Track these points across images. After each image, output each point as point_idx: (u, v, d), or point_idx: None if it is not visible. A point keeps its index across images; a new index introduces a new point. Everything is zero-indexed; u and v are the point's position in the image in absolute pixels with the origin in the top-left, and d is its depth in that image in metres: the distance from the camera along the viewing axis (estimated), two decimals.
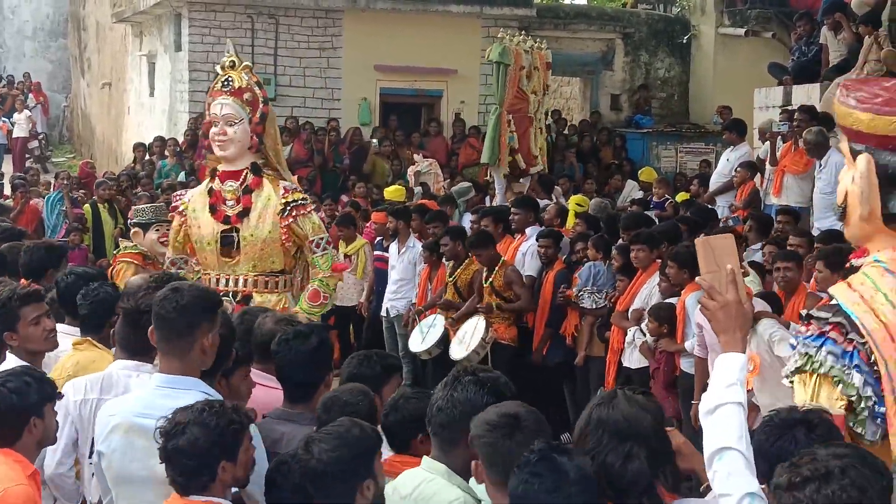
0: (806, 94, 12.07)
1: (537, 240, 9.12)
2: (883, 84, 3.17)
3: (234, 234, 6.79)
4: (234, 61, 6.84)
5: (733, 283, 2.98)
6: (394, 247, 10.39)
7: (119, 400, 3.87)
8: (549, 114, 18.24)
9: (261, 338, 4.44)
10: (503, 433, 3.07)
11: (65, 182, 14.00)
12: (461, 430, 3.25)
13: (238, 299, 6.68)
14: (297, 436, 3.72)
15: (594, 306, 8.39)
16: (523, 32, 14.55)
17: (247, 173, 6.82)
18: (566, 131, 17.84)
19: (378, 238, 11.07)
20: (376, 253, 10.88)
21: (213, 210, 6.82)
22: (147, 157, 16.64)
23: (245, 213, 6.76)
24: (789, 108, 11.83)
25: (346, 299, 10.84)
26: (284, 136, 16.11)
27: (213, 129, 6.78)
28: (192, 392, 3.56)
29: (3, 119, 24.85)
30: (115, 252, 8.95)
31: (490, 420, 3.11)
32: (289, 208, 6.77)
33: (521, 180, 12.34)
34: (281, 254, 6.83)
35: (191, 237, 6.96)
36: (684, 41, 19.29)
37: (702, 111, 18.50)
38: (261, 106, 6.80)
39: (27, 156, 24.42)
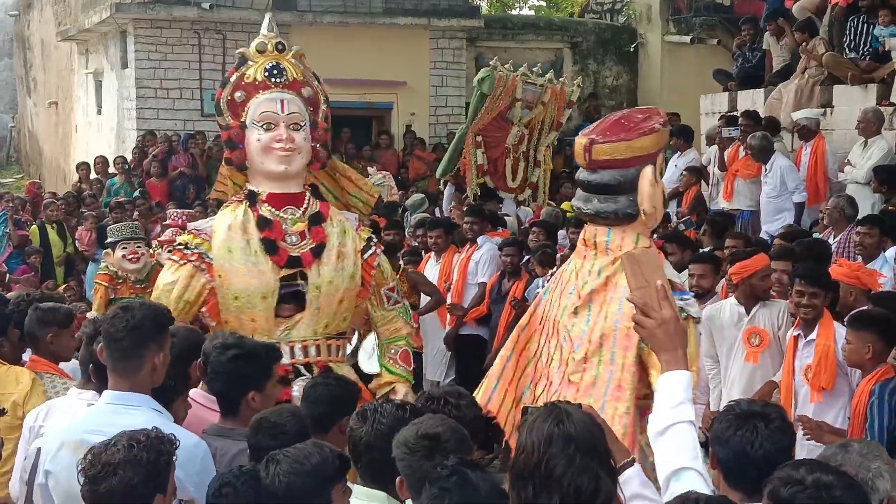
0: (751, 100, 12.21)
1: (500, 249, 9.16)
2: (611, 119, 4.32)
3: (301, 283, 4.98)
4: (281, 43, 5.38)
5: (666, 299, 2.93)
6: None
7: (66, 418, 3.83)
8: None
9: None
10: (422, 455, 2.99)
11: (9, 204, 13.85)
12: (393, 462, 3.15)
13: (315, 376, 4.75)
14: (229, 451, 3.72)
15: None
16: (540, 69, 14.54)
17: (310, 197, 5.10)
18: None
19: None
20: None
21: (273, 248, 4.93)
22: (93, 175, 16.46)
23: (319, 250, 4.96)
24: (734, 113, 11.96)
25: None
26: None
27: (268, 135, 5.02)
28: (142, 409, 3.54)
29: None
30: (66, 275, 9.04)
31: (409, 441, 3.03)
32: (373, 245, 5.15)
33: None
34: (352, 309, 5.15)
35: (221, 294, 4.95)
36: (631, 49, 19.45)
37: None
38: (323, 106, 5.39)
39: None
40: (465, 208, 10.88)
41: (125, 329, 3.59)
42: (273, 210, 5.01)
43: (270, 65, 5.21)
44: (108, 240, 8.90)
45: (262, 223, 4.96)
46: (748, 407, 3.06)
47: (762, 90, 12.13)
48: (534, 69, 13.21)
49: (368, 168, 15.48)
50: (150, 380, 3.64)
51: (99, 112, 19.55)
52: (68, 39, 20.89)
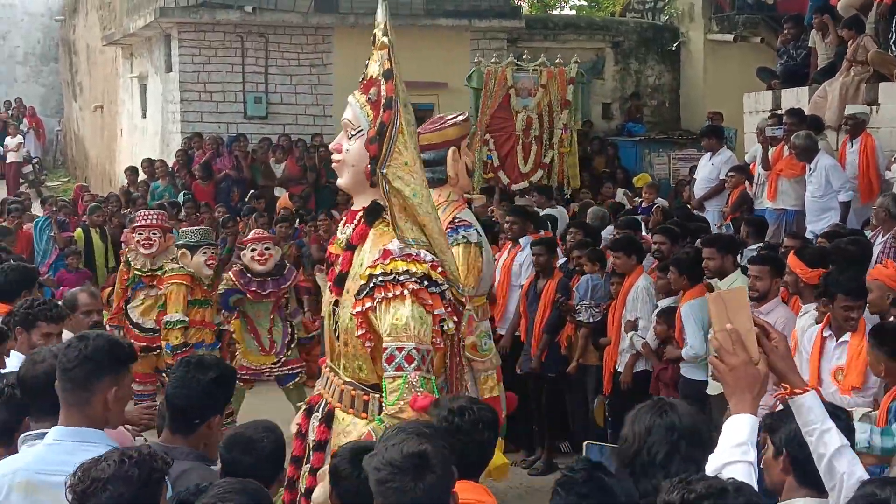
0: (795, 98, 12.10)
1: (531, 248, 9.17)
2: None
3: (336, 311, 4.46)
4: (375, 35, 4.74)
5: (739, 344, 2.90)
6: None
7: (10, 459, 3.56)
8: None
9: None
10: (413, 476, 2.84)
11: (53, 208, 14.06)
12: None
13: (321, 418, 4.47)
14: (171, 472, 3.45)
15: (591, 320, 8.39)
16: (526, 52, 14.77)
17: (361, 216, 4.46)
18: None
19: None
20: None
21: (328, 268, 4.65)
22: (141, 177, 16.64)
23: (340, 280, 4.39)
24: (778, 112, 11.86)
25: None
26: (277, 153, 16.18)
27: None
28: (99, 446, 3.31)
29: None
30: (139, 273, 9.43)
31: (395, 461, 2.86)
32: (373, 285, 4.14)
33: (524, 196, 12.70)
34: (367, 357, 4.29)
35: None
36: (673, 48, 19.34)
37: (693, 117, 18.53)
38: (381, 112, 4.42)
39: (21, 181, 24.43)
40: (505, 208, 10.92)
41: (76, 359, 3.43)
42: (342, 227, 4.59)
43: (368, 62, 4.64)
44: (183, 241, 9.14)
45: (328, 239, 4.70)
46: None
47: (806, 88, 12.01)
48: (523, 57, 13.48)
49: None
50: (102, 416, 3.47)
51: (143, 115, 19.75)
52: (113, 44, 21.12)
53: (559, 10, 30.55)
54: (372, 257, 4.22)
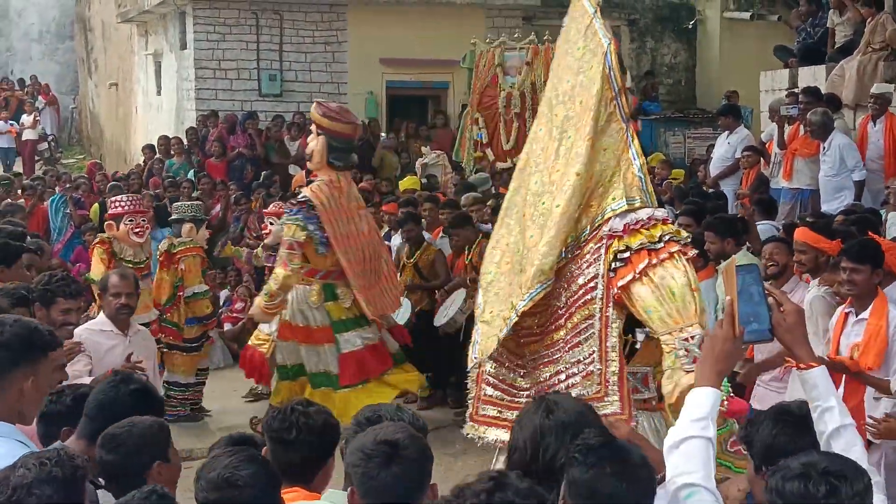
0: (812, 76, 12.02)
1: None
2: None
3: None
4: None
5: (729, 317, 2.90)
6: (396, 238, 10.45)
7: None
8: None
9: None
10: (379, 462, 2.89)
11: (66, 185, 14.07)
12: None
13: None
14: None
15: None
16: (517, 31, 14.84)
17: None
18: None
19: (387, 230, 11.10)
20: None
21: None
22: (155, 156, 16.67)
23: None
24: (795, 90, 11.79)
25: None
26: (292, 131, 16.18)
27: None
28: (5, 440, 3.19)
29: (12, 122, 24.92)
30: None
31: (366, 448, 2.92)
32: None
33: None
34: None
35: None
36: (690, 26, 19.23)
37: (709, 96, 18.44)
38: None
39: (37, 158, 24.50)
40: None
41: None
42: None
43: None
44: (177, 215, 9.41)
45: None
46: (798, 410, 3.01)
47: (823, 66, 11.93)
48: (515, 36, 13.59)
49: (423, 148, 15.55)
50: (16, 407, 3.29)
51: (158, 93, 19.77)
52: (128, 21, 21.13)
53: None
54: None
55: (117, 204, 9.13)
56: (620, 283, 4.27)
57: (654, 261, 4.24)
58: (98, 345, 5.97)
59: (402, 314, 9.75)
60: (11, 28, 31.40)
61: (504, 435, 4.34)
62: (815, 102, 10.42)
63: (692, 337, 4.04)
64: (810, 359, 2.92)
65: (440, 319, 9.44)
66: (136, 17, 20.36)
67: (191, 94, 17.42)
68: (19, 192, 14.34)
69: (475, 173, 13.39)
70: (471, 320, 9.15)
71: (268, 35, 17.34)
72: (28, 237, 8.28)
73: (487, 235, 9.68)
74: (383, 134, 16.44)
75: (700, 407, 2.83)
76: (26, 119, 24.64)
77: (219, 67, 17.24)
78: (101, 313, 6.39)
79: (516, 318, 4.40)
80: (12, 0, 31.19)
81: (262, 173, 14.96)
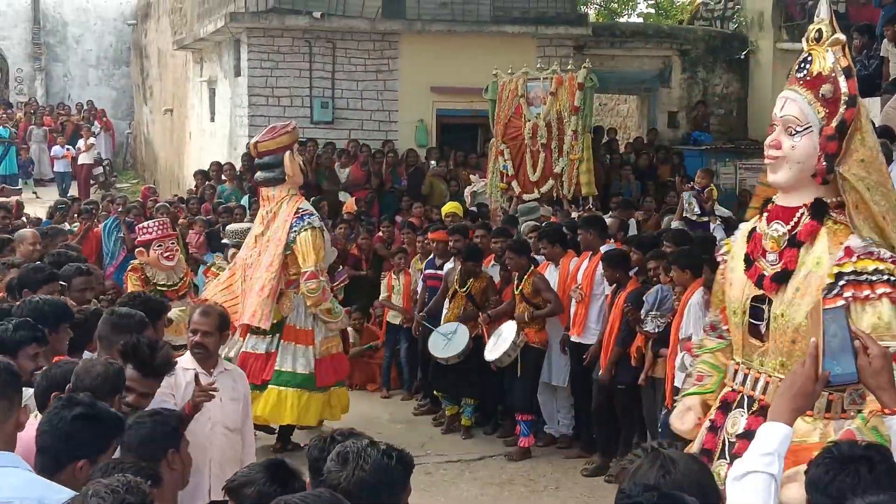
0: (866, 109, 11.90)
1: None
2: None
3: (764, 307, 4.42)
4: (821, 30, 4.36)
5: (812, 357, 2.91)
6: (449, 265, 10.48)
7: None
8: (607, 132, 18.29)
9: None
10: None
11: (119, 208, 14.22)
12: None
13: (753, 410, 4.36)
14: None
15: (656, 331, 8.32)
16: (570, 61, 14.78)
17: (803, 213, 4.35)
18: (623, 149, 17.77)
19: (431, 256, 11.12)
20: (428, 271, 10.93)
21: (748, 263, 4.51)
22: (207, 182, 16.85)
23: (783, 277, 4.32)
24: None
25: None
26: (343, 158, 16.31)
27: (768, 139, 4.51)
28: (14, 470, 3.21)
29: (69, 147, 25.34)
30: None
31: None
32: (843, 282, 4.12)
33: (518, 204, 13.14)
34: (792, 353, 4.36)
35: (725, 298, 4.67)
36: (742, 57, 19.15)
37: (761, 127, 18.29)
38: (842, 109, 4.24)
39: (92, 182, 24.88)
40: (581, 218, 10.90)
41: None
42: (764, 223, 4.47)
43: (804, 57, 4.44)
44: (234, 241, 9.66)
45: (750, 234, 4.55)
46: (849, 450, 2.87)
47: (878, 98, 11.82)
48: (538, 67, 13.59)
49: (472, 176, 15.59)
50: (15, 438, 3.31)
51: (212, 119, 20.02)
52: (184, 48, 21.44)
53: (626, 17, 30.43)
54: (833, 255, 4.18)
55: (146, 230, 9.25)
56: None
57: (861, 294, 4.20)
58: (178, 384, 5.48)
59: (461, 341, 9.73)
60: (69, 54, 32.01)
61: None
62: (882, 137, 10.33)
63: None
64: (894, 404, 2.90)
65: (491, 354, 9.37)
66: (191, 45, 20.66)
67: (244, 121, 17.62)
68: (75, 216, 14.56)
69: (511, 204, 13.40)
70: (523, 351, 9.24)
71: (320, 63, 17.51)
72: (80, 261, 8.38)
73: (536, 265, 9.71)
74: (433, 162, 16.51)
75: (770, 442, 2.82)
76: (82, 144, 25.06)
77: (272, 94, 17.43)
78: (188, 351, 5.91)
79: None
80: (70, 26, 31.79)
81: (312, 199, 15.06)
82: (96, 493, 2.75)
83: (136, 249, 9.43)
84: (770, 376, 4.31)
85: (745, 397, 4.43)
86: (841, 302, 3.97)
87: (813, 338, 2.92)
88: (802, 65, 4.36)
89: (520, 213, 12.53)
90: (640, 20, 28.68)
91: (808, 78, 4.33)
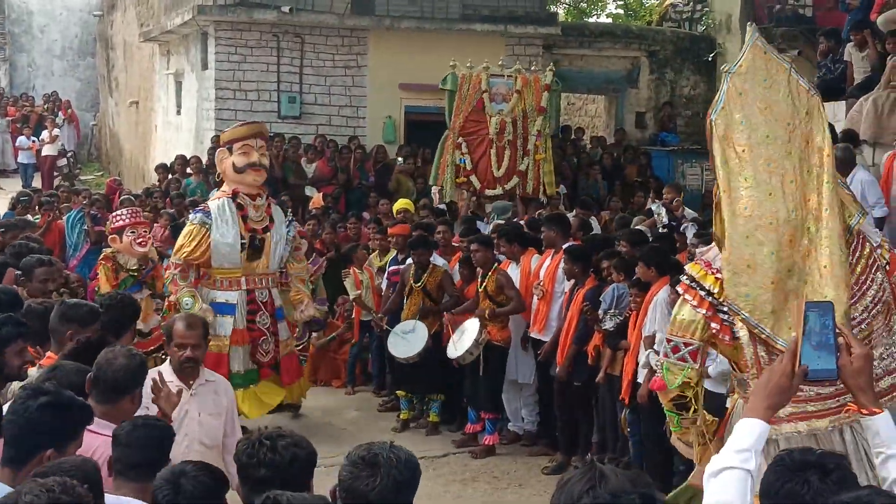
0: (832, 112, 11.99)
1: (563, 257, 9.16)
2: None
3: None
4: None
5: (790, 353, 2.91)
6: (408, 260, 10.47)
7: None
8: (574, 131, 18.35)
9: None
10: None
11: (84, 201, 14.11)
12: None
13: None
14: None
15: (614, 329, 8.36)
16: (539, 59, 14.76)
17: None
18: (589, 149, 17.82)
19: (395, 253, 11.09)
20: (391, 267, 10.91)
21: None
22: (170, 175, 16.72)
23: None
24: None
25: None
26: (309, 153, 16.25)
27: None
28: None
29: (34, 138, 25.08)
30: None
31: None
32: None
33: (481, 200, 13.22)
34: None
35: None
36: (710, 59, 19.26)
37: None
38: None
39: (55, 174, 24.64)
40: (543, 216, 10.92)
41: None
42: None
43: None
44: None
45: None
46: (801, 457, 2.88)
47: (843, 102, 11.93)
48: (500, 63, 13.63)
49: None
50: None
51: (178, 112, 19.89)
52: (150, 40, 21.28)
53: (595, 17, 30.51)
54: None
55: (118, 218, 9.52)
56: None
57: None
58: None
59: (419, 340, 9.73)
60: (34, 44, 31.68)
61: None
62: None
63: None
64: (873, 405, 2.90)
65: (453, 351, 9.36)
66: (158, 37, 20.51)
67: (210, 115, 17.52)
68: (36, 207, 14.41)
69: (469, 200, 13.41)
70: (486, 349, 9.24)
71: (288, 58, 17.44)
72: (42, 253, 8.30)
73: (499, 262, 9.73)
74: (399, 159, 16.48)
75: (745, 438, 2.81)
76: (46, 135, 24.81)
77: (239, 88, 17.34)
78: (168, 361, 5.67)
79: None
80: (36, 16, 31.47)
81: (280, 195, 15.01)
82: (30, 492, 2.71)
83: (109, 237, 9.60)
84: None
85: None
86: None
87: (794, 332, 2.91)
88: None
89: (493, 210, 12.53)
90: (609, 21, 28.77)
91: None
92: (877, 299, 4.88)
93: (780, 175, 4.93)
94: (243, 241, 9.09)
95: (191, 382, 5.47)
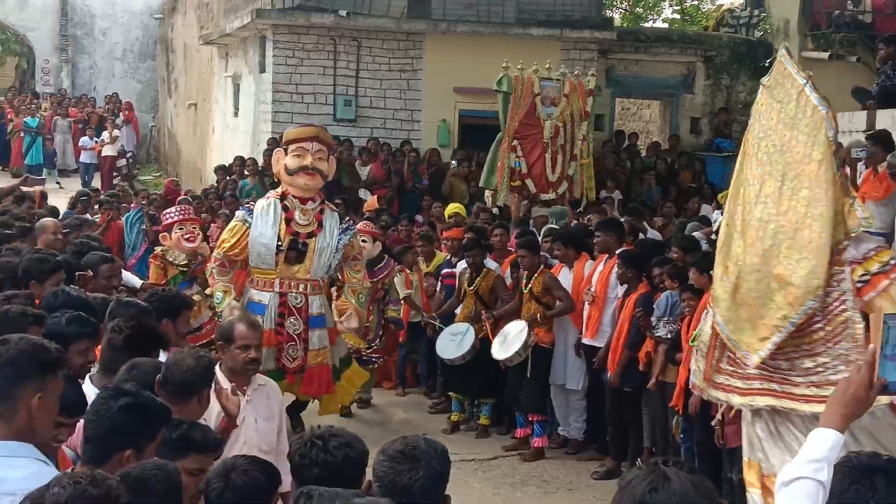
0: (891, 119, 11.87)
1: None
2: None
3: None
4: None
5: (868, 364, 2.88)
6: (462, 264, 10.52)
7: None
8: (628, 136, 18.30)
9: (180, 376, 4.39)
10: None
11: (143, 202, 14.32)
12: None
13: None
14: None
15: (668, 336, 8.33)
16: (594, 64, 14.75)
17: None
18: (644, 154, 17.75)
19: (449, 255, 11.16)
20: (445, 271, 10.97)
21: None
22: (228, 177, 16.93)
23: None
24: (875, 132, 11.65)
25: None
26: (363, 156, 16.36)
27: None
28: (24, 460, 3.17)
29: (96, 139, 25.50)
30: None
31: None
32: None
33: (538, 205, 13.19)
34: None
35: None
36: (766, 64, 19.08)
37: None
38: None
39: (115, 174, 25.03)
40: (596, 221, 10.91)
41: None
42: None
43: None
44: None
45: None
46: (868, 461, 2.83)
47: None
48: (547, 66, 13.59)
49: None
50: (28, 427, 3.24)
51: (236, 114, 20.11)
52: (209, 43, 21.54)
53: (651, 22, 30.37)
54: None
55: (168, 215, 9.80)
56: (866, 298, 5.45)
57: (888, 281, 5.40)
58: (211, 409, 4.83)
59: (467, 342, 9.78)
60: (95, 46, 32.23)
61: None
62: (878, 147, 10.35)
63: None
64: None
65: (500, 353, 9.36)
66: (217, 40, 20.75)
67: (267, 117, 17.69)
68: (96, 207, 14.65)
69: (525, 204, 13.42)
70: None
71: (345, 61, 17.56)
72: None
73: (549, 267, 9.74)
74: (453, 162, 16.53)
75: (819, 448, 2.80)
76: (106, 136, 25.20)
77: (296, 91, 17.50)
78: (217, 368, 5.28)
79: (793, 329, 5.55)
80: (97, 19, 32.00)
81: (334, 198, 15.13)
82: (58, 483, 2.73)
83: (160, 235, 9.77)
84: None
85: None
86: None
87: (872, 343, 2.88)
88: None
89: (551, 215, 12.52)
90: (665, 25, 28.62)
91: None
92: (833, 304, 5.51)
93: (760, 184, 5.65)
94: (280, 243, 8.88)
95: (244, 388, 5.33)
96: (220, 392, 4.81)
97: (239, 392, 5.17)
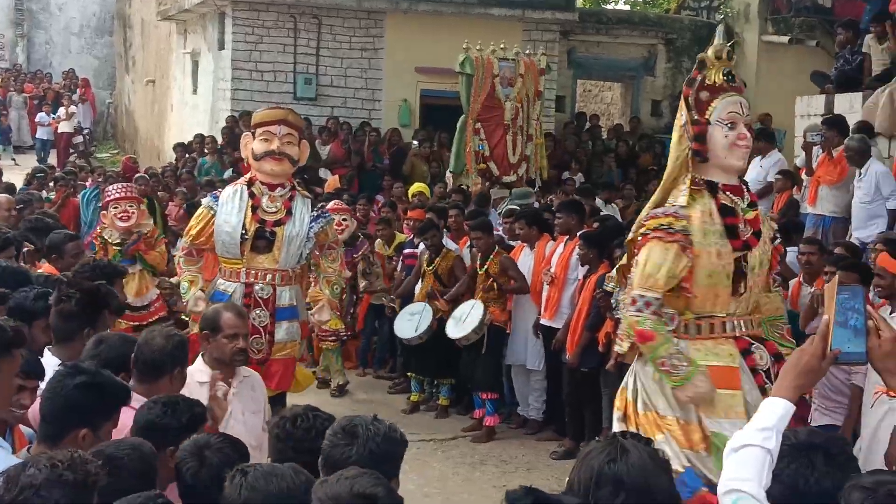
0: (848, 103, 11.96)
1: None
2: None
3: (744, 265, 5.67)
4: (731, 51, 5.87)
5: (821, 335, 2.88)
6: (421, 245, 10.50)
7: None
8: (589, 118, 18.32)
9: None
10: None
11: (100, 179, 14.16)
12: None
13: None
14: None
15: None
16: (556, 45, 14.75)
17: (747, 189, 6.02)
18: (605, 136, 17.79)
19: (410, 236, 11.14)
20: (407, 251, 10.95)
21: (734, 233, 5.70)
22: (187, 154, 16.77)
23: (758, 235, 5.72)
24: (831, 116, 11.74)
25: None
26: (323, 135, 16.26)
27: (733, 133, 5.64)
28: None
29: (53, 115, 25.17)
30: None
31: (341, 498, 2.78)
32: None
33: (497, 187, 13.13)
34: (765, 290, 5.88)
35: (696, 272, 5.56)
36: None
37: None
38: None
39: (71, 151, 24.73)
40: (558, 203, 10.91)
41: None
42: (729, 200, 5.60)
43: (726, 70, 5.72)
44: None
45: (725, 211, 5.54)
46: (807, 438, 2.89)
47: (860, 94, 11.87)
48: (501, 46, 13.59)
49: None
50: None
51: (194, 92, 19.92)
52: (168, 19, 21.30)
53: (613, 4, 30.40)
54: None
55: (108, 193, 9.71)
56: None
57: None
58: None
59: (424, 322, 9.77)
60: (52, 21, 31.77)
61: None
62: (833, 131, 10.45)
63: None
64: None
65: (454, 332, 9.39)
66: (175, 16, 20.53)
67: (226, 94, 17.54)
68: (51, 183, 14.46)
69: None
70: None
71: (305, 39, 17.43)
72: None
73: (507, 248, 9.75)
74: (415, 142, 16.48)
75: (769, 417, 2.80)
76: (62, 112, 24.89)
77: (255, 69, 17.36)
78: (200, 358, 5.14)
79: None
80: None
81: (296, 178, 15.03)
82: (35, 464, 2.68)
83: (101, 212, 9.65)
84: (740, 318, 5.53)
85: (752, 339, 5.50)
86: None
87: (825, 315, 2.88)
88: (730, 77, 5.65)
89: (513, 196, 12.50)
90: (627, 8, 28.66)
91: (737, 86, 5.73)
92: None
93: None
94: (245, 231, 8.25)
95: (230, 380, 4.99)
96: (213, 398, 4.55)
97: (225, 385, 4.84)
